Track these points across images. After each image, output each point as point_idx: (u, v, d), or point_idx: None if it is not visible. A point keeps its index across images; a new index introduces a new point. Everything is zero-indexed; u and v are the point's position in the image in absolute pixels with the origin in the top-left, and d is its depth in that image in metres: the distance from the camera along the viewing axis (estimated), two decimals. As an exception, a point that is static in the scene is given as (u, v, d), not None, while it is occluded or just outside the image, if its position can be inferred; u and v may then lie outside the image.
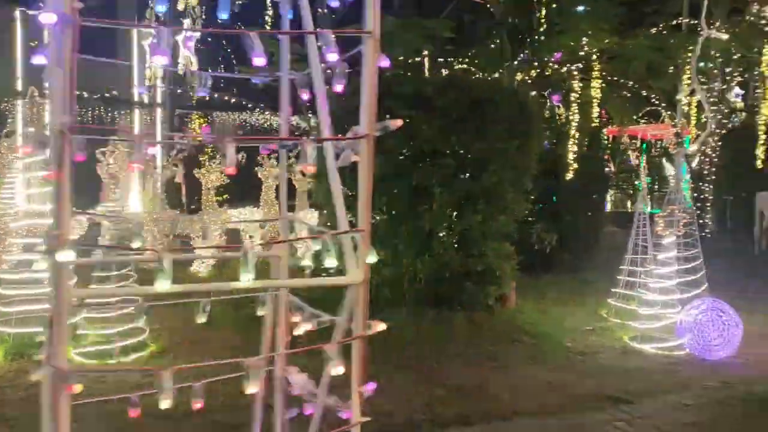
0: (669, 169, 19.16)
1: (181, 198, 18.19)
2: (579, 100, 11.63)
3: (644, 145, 23.00)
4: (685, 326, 6.92)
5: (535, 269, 9.77)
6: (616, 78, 13.41)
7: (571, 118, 11.39)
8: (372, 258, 2.50)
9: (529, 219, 10.32)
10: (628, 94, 15.54)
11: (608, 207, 18.84)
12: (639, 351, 7.04)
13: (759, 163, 14.09)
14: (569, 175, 10.31)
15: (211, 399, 5.25)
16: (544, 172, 10.56)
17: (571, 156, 10.60)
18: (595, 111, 12.86)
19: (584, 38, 9.00)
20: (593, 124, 12.92)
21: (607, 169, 19.67)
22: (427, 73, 12.07)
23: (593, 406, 5.50)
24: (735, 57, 13.63)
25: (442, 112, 7.14)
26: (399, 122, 2.44)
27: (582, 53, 10.80)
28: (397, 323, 7.18)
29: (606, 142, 21.18)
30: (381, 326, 2.53)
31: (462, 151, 7.37)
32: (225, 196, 25.82)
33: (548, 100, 15.25)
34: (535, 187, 9.79)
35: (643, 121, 21.82)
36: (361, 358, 2.72)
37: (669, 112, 15.13)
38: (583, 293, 9.19)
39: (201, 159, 12.30)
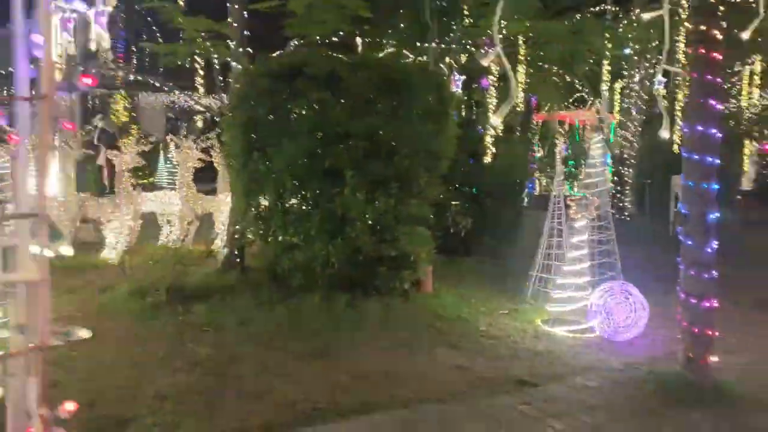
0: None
1: (102, 181, 17.51)
2: (497, 84, 11.67)
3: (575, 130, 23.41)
4: (594, 309, 7.01)
5: (456, 253, 9.77)
6: (540, 63, 13.52)
7: (488, 101, 11.41)
8: (54, 251, 2.01)
9: (454, 203, 10.34)
10: (557, 80, 15.72)
11: (537, 190, 19.11)
12: (550, 334, 7.09)
13: (676, 148, 14.48)
14: (487, 159, 10.33)
15: (99, 393, 5.06)
16: (468, 155, 10.59)
17: (489, 139, 10.62)
18: (520, 95, 12.93)
19: (503, 21, 8.98)
20: (518, 109, 13.00)
21: (538, 153, 19.96)
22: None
23: (500, 390, 5.50)
24: (653, 44, 13.90)
25: (355, 92, 6.99)
26: (89, 80, 2.09)
27: (501, 36, 10.78)
28: (308, 309, 7.07)
29: (535, 126, 21.49)
30: (83, 333, 2.14)
31: (378, 133, 7.22)
32: (152, 180, 25.07)
33: (478, 85, 15.27)
34: (456, 171, 9.77)
35: (573, 107, 22.19)
36: (42, 373, 2.14)
37: (593, 99, 15.40)
38: (503, 276, 9.21)
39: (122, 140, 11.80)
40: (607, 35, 12.71)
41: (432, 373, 5.84)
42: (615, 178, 14.62)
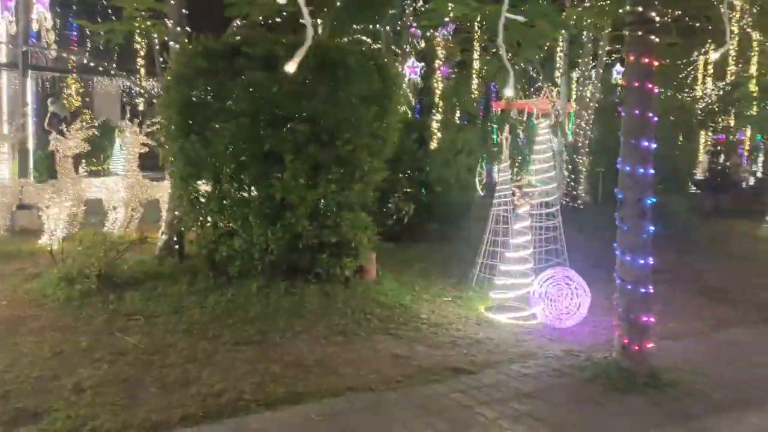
0: (554, 142, 19.67)
1: (55, 167, 16.98)
2: (440, 67, 11.55)
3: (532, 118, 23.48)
4: (536, 296, 6.96)
5: (403, 240, 9.65)
6: (494, 50, 13.42)
7: (435, 86, 11.29)
8: None
9: (407, 190, 10.23)
10: (518, 68, 15.64)
11: (495, 178, 19.12)
12: (493, 321, 7.02)
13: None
14: (433, 145, 10.23)
15: (15, 384, 4.82)
16: (418, 141, 10.48)
17: (435, 125, 10.50)
18: (475, 82, 12.83)
19: (451, 4, 8.87)
20: (473, 96, 12.90)
21: (501, 139, 19.93)
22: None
23: (434, 379, 5.39)
24: (606, 32, 13.90)
25: (294, 74, 6.76)
26: None
27: (448, 18, 10.66)
28: (246, 296, 6.88)
29: (495, 115, 21.51)
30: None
31: (320, 116, 7.02)
32: (107, 167, 24.34)
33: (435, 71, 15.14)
34: (406, 157, 9.66)
35: (535, 95, 22.22)
36: None
37: (549, 85, 15.41)
38: (449, 263, 9.13)
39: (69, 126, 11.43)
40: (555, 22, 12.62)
41: (368, 361, 5.70)
42: (569, 166, 14.65)
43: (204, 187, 7.29)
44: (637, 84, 5.14)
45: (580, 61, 14.61)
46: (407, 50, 13.33)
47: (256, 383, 5.06)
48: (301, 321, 6.48)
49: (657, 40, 5.14)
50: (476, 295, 7.81)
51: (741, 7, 14.47)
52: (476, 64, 14.10)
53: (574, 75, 16.90)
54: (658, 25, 5.20)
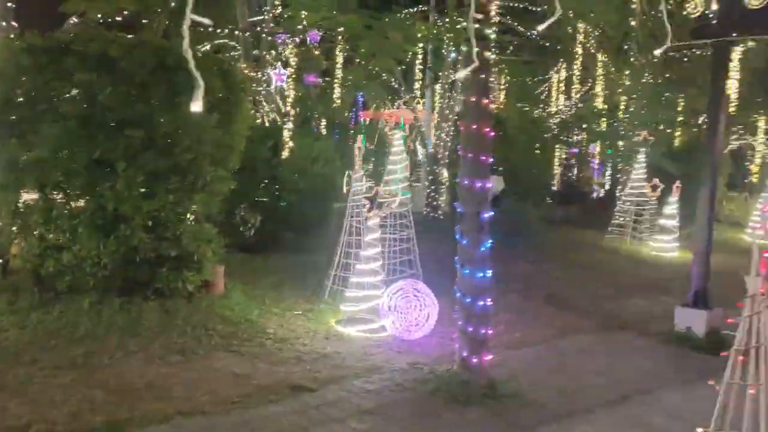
0: (420, 152, 19.96)
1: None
2: (294, 77, 11.41)
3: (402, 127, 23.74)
4: (386, 308, 6.91)
5: (256, 251, 9.34)
6: (359, 60, 13.38)
7: (285, 95, 11.12)
8: None
9: (263, 199, 9.93)
10: (386, 77, 15.65)
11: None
12: (343, 335, 6.89)
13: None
14: (285, 154, 10.02)
15: None
16: (270, 149, 10.23)
17: (286, 134, 10.29)
18: (337, 92, 12.73)
19: (303, 12, 8.73)
20: (334, 105, 12.79)
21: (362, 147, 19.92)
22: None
23: (273, 398, 5.17)
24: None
25: (129, 76, 6.35)
26: None
27: (301, 27, 10.50)
28: (75, 313, 6.35)
29: (364, 124, 21.58)
30: None
31: (156, 121, 6.61)
32: None
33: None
34: (260, 165, 9.37)
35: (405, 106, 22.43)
36: None
37: (410, 96, 15.60)
38: (303, 275, 8.91)
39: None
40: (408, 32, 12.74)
41: (205, 381, 5.40)
42: (430, 177, 14.87)
43: (27, 195, 6.66)
44: (474, 99, 5.19)
45: (441, 74, 14.91)
46: (269, 57, 13.05)
47: (72, 413, 4.65)
48: (135, 340, 6.05)
49: (494, 57, 5.22)
50: (328, 308, 7.65)
51: (585, 29, 15.35)
52: (340, 74, 14.04)
53: (438, 87, 17.22)
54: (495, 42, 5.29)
